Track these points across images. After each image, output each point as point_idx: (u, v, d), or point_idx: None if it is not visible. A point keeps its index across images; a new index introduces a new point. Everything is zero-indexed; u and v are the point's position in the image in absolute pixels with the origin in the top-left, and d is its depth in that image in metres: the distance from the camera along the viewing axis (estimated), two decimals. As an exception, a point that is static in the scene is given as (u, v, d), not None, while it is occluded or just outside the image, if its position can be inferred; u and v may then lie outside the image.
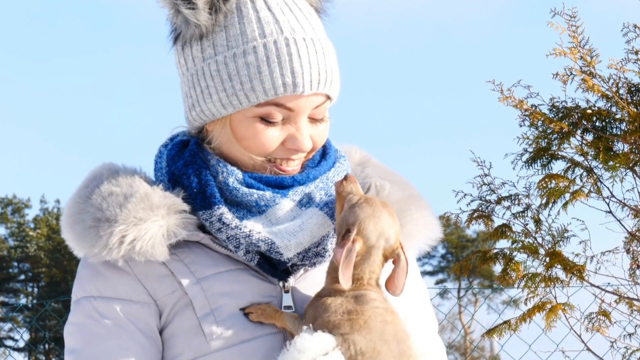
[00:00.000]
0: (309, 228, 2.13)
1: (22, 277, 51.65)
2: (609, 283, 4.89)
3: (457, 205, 4.74)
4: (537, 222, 4.69)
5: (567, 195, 4.54)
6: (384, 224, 2.05)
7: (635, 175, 4.56)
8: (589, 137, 4.56)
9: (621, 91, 4.47)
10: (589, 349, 4.88)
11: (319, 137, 2.18)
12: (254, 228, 2.11)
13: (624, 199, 4.64)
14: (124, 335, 2.09)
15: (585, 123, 4.53)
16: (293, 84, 2.08)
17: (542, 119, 4.51)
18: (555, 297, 4.75)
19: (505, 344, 6.71)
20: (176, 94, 2.25)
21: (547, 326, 4.74)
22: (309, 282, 2.15)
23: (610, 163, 4.48)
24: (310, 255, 2.15)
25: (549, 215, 4.66)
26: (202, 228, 2.16)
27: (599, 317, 4.80)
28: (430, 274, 52.26)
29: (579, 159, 4.62)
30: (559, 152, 4.62)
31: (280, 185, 2.16)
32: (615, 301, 4.81)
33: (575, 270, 4.63)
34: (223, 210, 2.11)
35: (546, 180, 4.55)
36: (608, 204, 4.66)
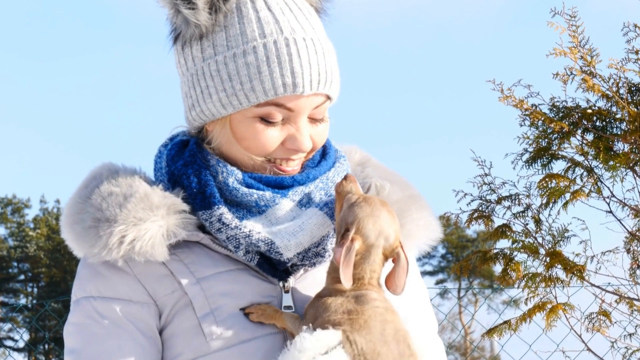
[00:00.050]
0: (308, 228, 2.12)
1: (22, 277, 51.67)
2: (609, 283, 4.89)
3: (457, 205, 4.74)
4: (538, 222, 4.69)
5: (568, 195, 4.54)
6: (383, 222, 2.04)
7: (635, 175, 4.56)
8: (590, 137, 4.56)
9: (621, 91, 4.46)
10: (589, 349, 4.88)
11: (319, 137, 2.18)
12: (254, 228, 2.11)
13: (625, 198, 4.64)
14: (123, 335, 2.09)
15: (585, 123, 4.53)
16: (293, 84, 2.08)
17: (542, 118, 4.51)
18: (555, 297, 4.75)
19: (505, 344, 6.72)
20: (176, 94, 2.25)
21: (548, 326, 4.74)
22: (309, 282, 2.15)
23: (611, 163, 4.48)
24: (310, 256, 2.14)
25: (549, 215, 4.67)
26: (201, 228, 2.16)
27: (599, 317, 4.79)
28: (431, 274, 52.27)
29: (580, 158, 4.62)
30: (560, 152, 4.62)
31: (280, 185, 2.16)
32: (616, 301, 4.81)
33: (575, 270, 4.63)
34: (223, 211, 2.11)
35: (546, 180, 4.54)
36: (608, 204, 4.66)
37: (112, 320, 2.10)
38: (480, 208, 4.72)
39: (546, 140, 4.59)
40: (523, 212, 4.71)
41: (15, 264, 51.06)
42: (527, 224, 4.72)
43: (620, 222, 4.69)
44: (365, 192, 2.24)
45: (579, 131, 4.55)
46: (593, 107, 4.54)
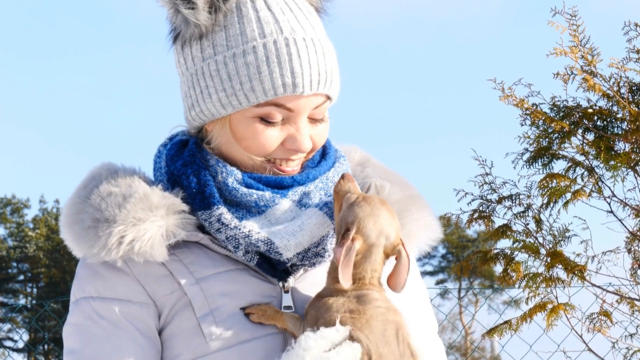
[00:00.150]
0: (308, 228, 2.12)
1: (21, 277, 51.69)
2: (610, 283, 4.88)
3: (458, 205, 4.74)
4: (538, 221, 4.68)
5: (568, 195, 4.53)
6: (383, 221, 2.04)
7: (636, 175, 4.55)
8: (590, 137, 4.55)
9: (622, 90, 4.46)
10: (590, 350, 4.88)
11: (318, 137, 2.17)
12: (253, 228, 2.10)
13: (625, 198, 4.64)
14: (122, 336, 2.08)
15: (586, 122, 4.52)
16: (293, 84, 2.08)
17: (543, 118, 4.50)
18: (556, 297, 4.74)
19: (506, 344, 6.72)
20: (176, 93, 2.24)
21: (548, 326, 4.74)
22: (309, 282, 2.15)
23: (612, 162, 4.47)
24: (310, 256, 2.14)
25: (550, 214, 4.66)
26: (201, 228, 2.15)
27: (600, 317, 4.79)
28: (431, 274, 52.30)
29: (580, 158, 4.62)
30: (560, 152, 4.61)
31: (280, 185, 2.15)
32: (617, 301, 4.80)
33: (576, 270, 4.62)
34: (222, 211, 2.11)
35: (547, 179, 4.54)
36: (609, 204, 4.65)
37: (111, 321, 2.09)
38: (480, 208, 4.72)
39: (547, 139, 4.58)
40: (524, 212, 4.70)
41: (14, 264, 51.08)
42: (527, 224, 4.71)
43: (621, 222, 4.69)
44: (365, 192, 2.24)
45: (580, 131, 4.55)
46: (594, 107, 4.54)
